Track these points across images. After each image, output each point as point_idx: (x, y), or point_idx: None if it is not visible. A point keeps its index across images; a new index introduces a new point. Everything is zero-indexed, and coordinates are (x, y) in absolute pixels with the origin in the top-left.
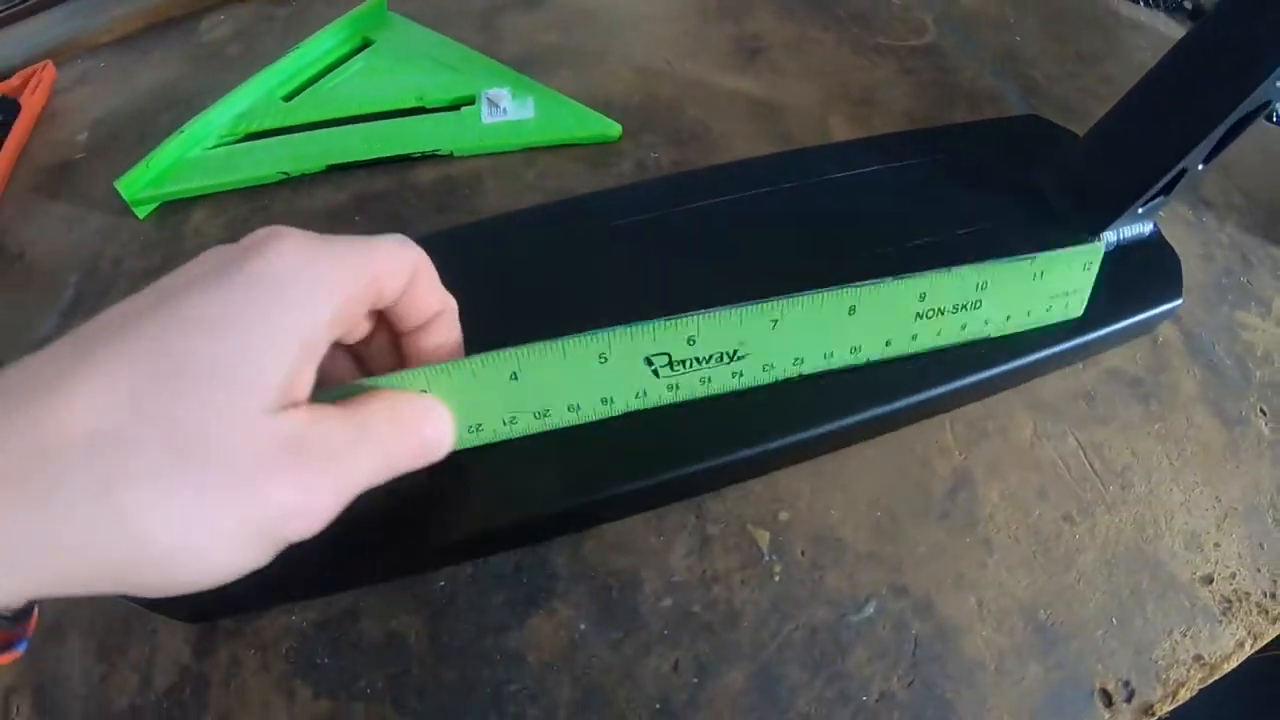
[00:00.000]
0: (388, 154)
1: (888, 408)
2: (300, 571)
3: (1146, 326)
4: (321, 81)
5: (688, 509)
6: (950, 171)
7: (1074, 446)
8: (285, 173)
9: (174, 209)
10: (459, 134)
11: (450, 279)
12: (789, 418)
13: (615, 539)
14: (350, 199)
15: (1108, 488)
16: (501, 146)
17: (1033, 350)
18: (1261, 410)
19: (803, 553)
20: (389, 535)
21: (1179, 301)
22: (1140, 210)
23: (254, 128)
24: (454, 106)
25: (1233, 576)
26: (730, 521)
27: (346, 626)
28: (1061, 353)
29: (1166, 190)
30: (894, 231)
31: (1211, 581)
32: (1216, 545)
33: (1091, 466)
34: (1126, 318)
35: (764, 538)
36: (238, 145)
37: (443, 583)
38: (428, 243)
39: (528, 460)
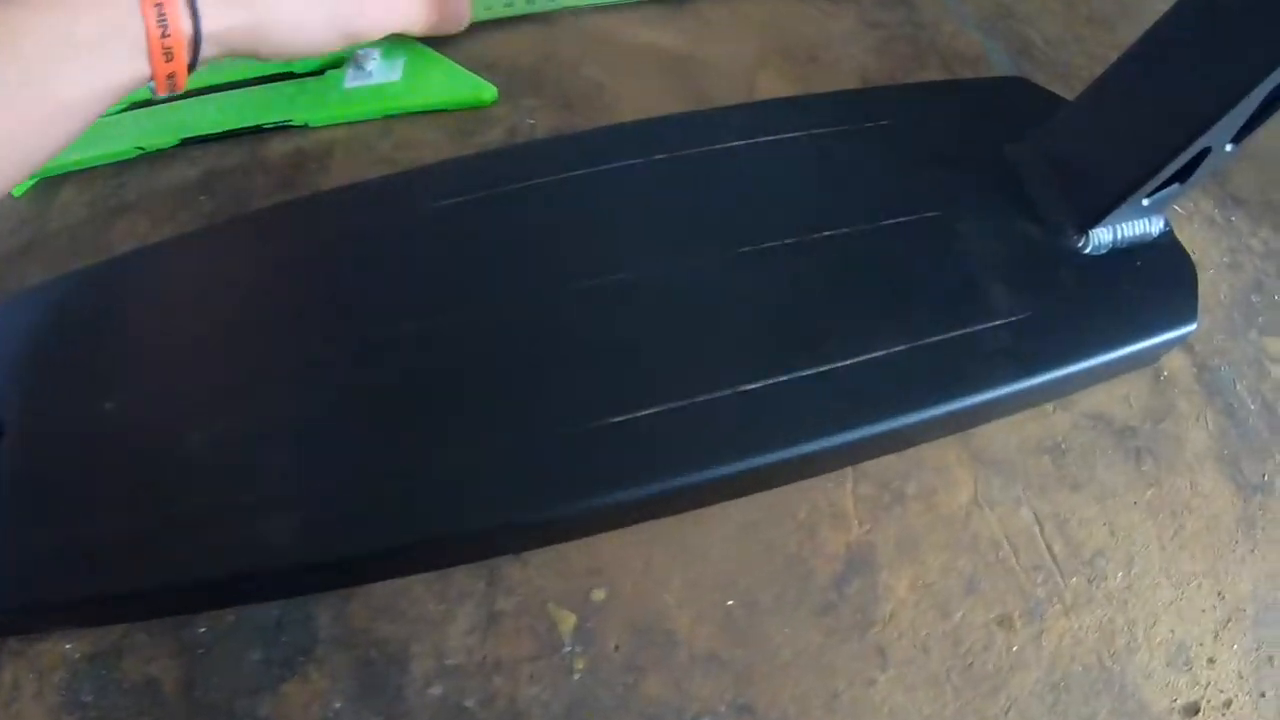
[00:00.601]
0: (239, 126)
1: (760, 460)
2: (63, 596)
3: (1147, 358)
4: None
5: (477, 573)
6: (895, 142)
7: (1028, 520)
8: (140, 147)
9: (48, 186)
10: (315, 102)
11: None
12: (618, 467)
13: (386, 600)
14: (201, 175)
15: (1068, 579)
16: (361, 114)
17: (979, 388)
18: None
19: (617, 647)
20: (138, 569)
21: (1192, 327)
22: (1146, 201)
23: (143, 94)
24: (321, 70)
25: (1227, 705)
26: (528, 595)
27: (111, 663)
28: (1022, 392)
29: (1182, 176)
30: (801, 216)
31: (1197, 713)
32: (1210, 661)
33: (1049, 549)
34: (1118, 346)
35: (568, 621)
36: (107, 118)
37: (203, 628)
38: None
39: (277, 500)
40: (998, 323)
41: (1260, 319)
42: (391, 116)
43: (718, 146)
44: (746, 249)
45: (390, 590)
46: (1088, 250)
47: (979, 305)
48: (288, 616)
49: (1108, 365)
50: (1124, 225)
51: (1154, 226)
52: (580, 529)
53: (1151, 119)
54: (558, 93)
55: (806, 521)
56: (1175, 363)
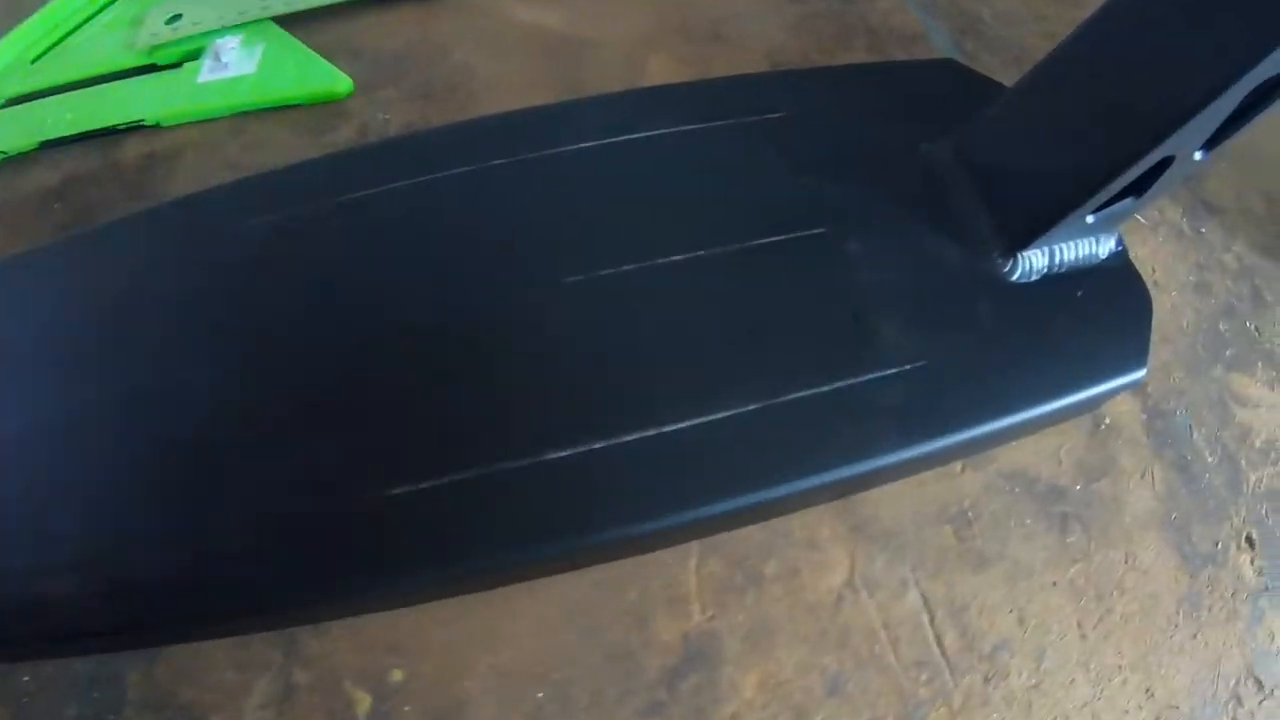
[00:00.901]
0: (92, 127)
1: (562, 545)
2: None
3: (1081, 410)
4: (71, 38)
5: (275, 642)
6: (786, 140)
7: (914, 606)
8: (3, 151)
9: None
10: (169, 99)
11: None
12: (405, 547)
13: (187, 663)
14: (61, 181)
15: (960, 678)
16: (212, 111)
17: (851, 458)
18: (1248, 540)
19: None
20: None
21: (1140, 374)
22: (1091, 219)
23: (9, 93)
24: (179, 63)
25: None
26: (325, 670)
27: None
28: (911, 461)
29: (1137, 189)
30: (651, 236)
31: None
32: None
33: (939, 641)
34: (1042, 401)
35: (363, 703)
36: None
37: (27, 677)
38: None
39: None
40: (884, 374)
41: (1228, 351)
42: (246, 113)
43: (563, 149)
44: (575, 278)
45: (191, 653)
46: (1015, 277)
47: (862, 351)
48: (100, 672)
49: (1027, 424)
50: (1063, 247)
51: (1102, 247)
52: (364, 608)
53: (1101, 118)
54: (420, 82)
55: (636, 605)
56: (1121, 407)
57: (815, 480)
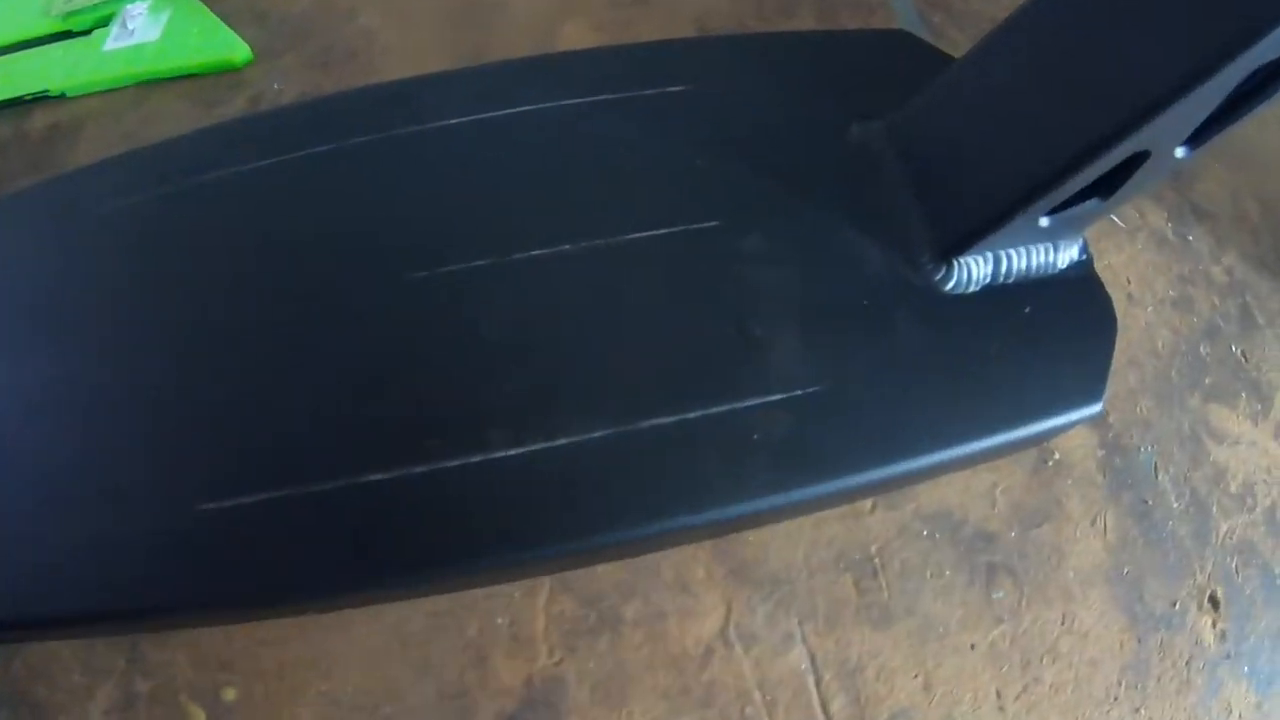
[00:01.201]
0: (1, 97)
1: (377, 585)
2: None
3: (1017, 448)
4: None
5: (120, 648)
6: (691, 118)
7: (799, 665)
8: None
9: None
10: (74, 67)
11: None
12: (219, 561)
13: (41, 662)
14: None
15: None
16: (115, 80)
17: (721, 499)
18: (1211, 599)
19: None
20: None
21: (1095, 409)
22: (1045, 221)
23: None
24: (89, 30)
25: None
26: (164, 680)
27: None
28: (796, 504)
29: (1103, 189)
30: (517, 225)
31: None
32: None
33: (824, 708)
34: (962, 440)
35: (197, 718)
36: None
37: None
38: None
39: None
40: (765, 400)
41: (1208, 379)
42: (148, 83)
43: (431, 126)
44: (418, 274)
45: (43, 652)
46: (949, 287)
47: (742, 370)
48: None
49: (945, 465)
50: (1011, 253)
51: (1060, 255)
52: (184, 623)
53: (1062, 99)
54: (321, 49)
55: (476, 641)
56: (1073, 441)
57: (666, 524)
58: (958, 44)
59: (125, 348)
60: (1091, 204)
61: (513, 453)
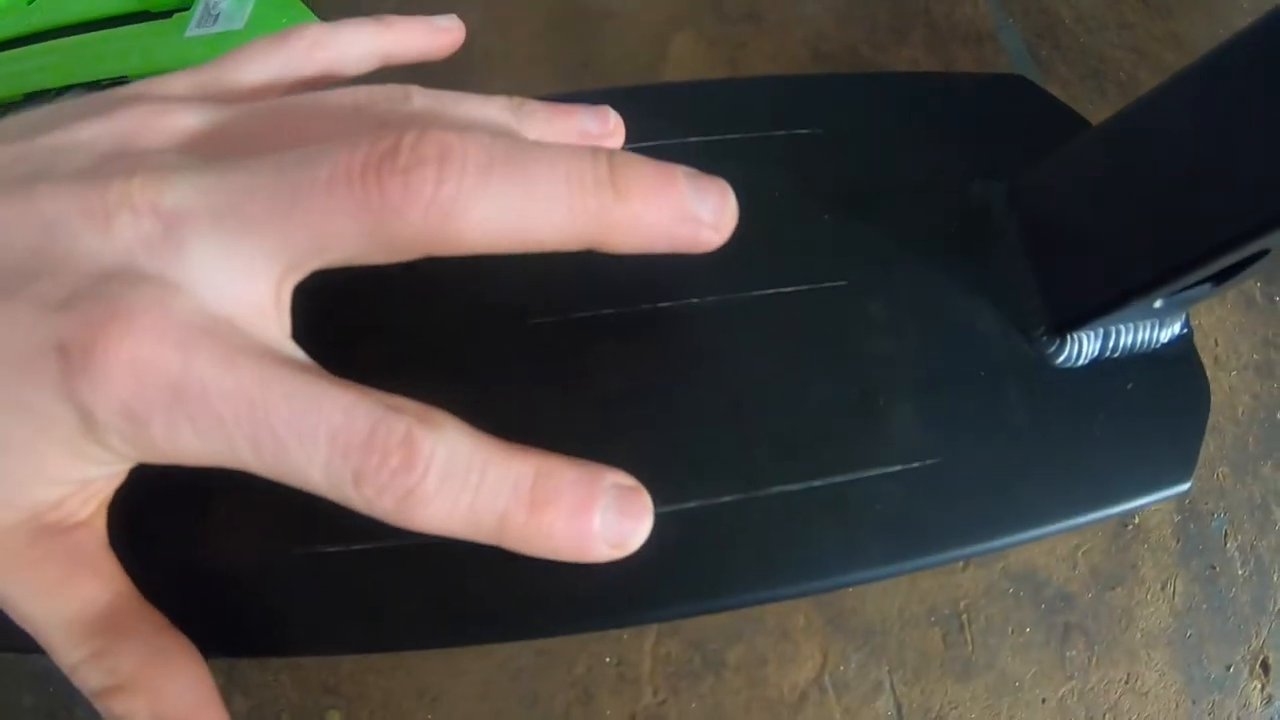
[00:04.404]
0: (79, 80)
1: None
2: None
3: (1110, 520)
4: None
5: (217, 667)
6: (811, 165)
7: (886, 712)
8: None
9: None
10: (152, 52)
11: None
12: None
13: None
14: None
15: None
16: None
17: (832, 570)
18: (1263, 665)
19: None
20: None
21: (1184, 488)
22: (1159, 303)
23: (4, 35)
24: (169, 12)
25: None
26: (263, 701)
27: None
28: (904, 571)
29: (1220, 277)
30: (626, 277)
31: None
32: None
33: None
34: (1065, 516)
35: None
36: None
37: None
38: None
39: None
40: (891, 469)
41: None
42: None
43: None
44: (547, 319)
45: None
46: (1060, 361)
47: (867, 440)
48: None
49: (1043, 537)
50: (1120, 329)
51: (1164, 331)
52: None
53: (1198, 189)
54: None
55: (583, 680)
56: (1153, 507)
57: (784, 591)
58: (1066, 81)
59: None
60: (1205, 288)
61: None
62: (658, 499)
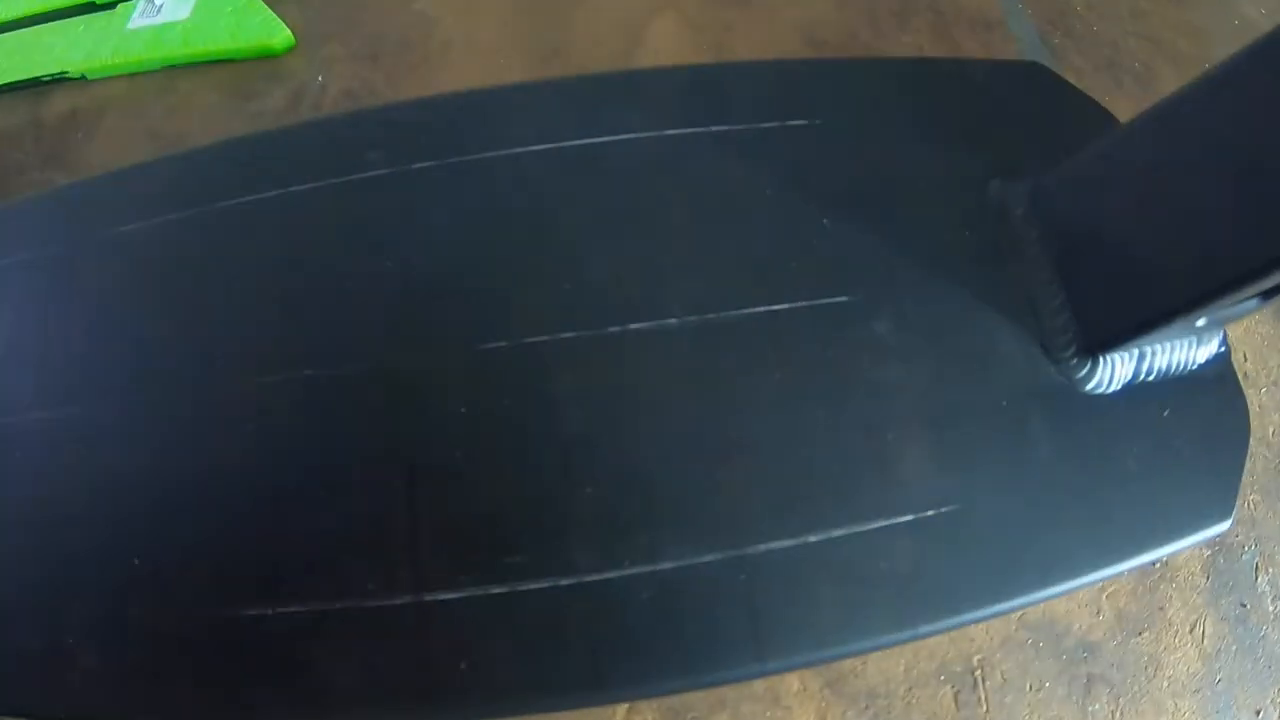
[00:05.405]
0: (16, 79)
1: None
2: None
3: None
4: None
5: None
6: (811, 159)
7: None
8: None
9: None
10: (95, 46)
11: None
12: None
13: None
14: None
15: None
16: (138, 64)
17: (834, 639)
18: None
19: None
20: None
21: (1224, 527)
22: (1202, 321)
23: None
24: (113, 4)
25: None
26: None
27: None
28: (919, 637)
29: (1273, 290)
30: (599, 295)
31: None
32: None
33: None
34: (1093, 569)
35: None
36: None
37: None
38: None
39: None
40: (899, 520)
41: None
42: (176, 67)
43: (510, 153)
44: (495, 344)
45: None
46: (1090, 386)
47: (877, 484)
48: None
49: (1073, 590)
50: (1156, 349)
51: (1202, 350)
52: None
53: (1256, 190)
54: (371, 37)
55: None
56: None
57: (773, 666)
58: (1081, 71)
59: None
60: (1251, 304)
61: (601, 577)
62: (626, 560)
